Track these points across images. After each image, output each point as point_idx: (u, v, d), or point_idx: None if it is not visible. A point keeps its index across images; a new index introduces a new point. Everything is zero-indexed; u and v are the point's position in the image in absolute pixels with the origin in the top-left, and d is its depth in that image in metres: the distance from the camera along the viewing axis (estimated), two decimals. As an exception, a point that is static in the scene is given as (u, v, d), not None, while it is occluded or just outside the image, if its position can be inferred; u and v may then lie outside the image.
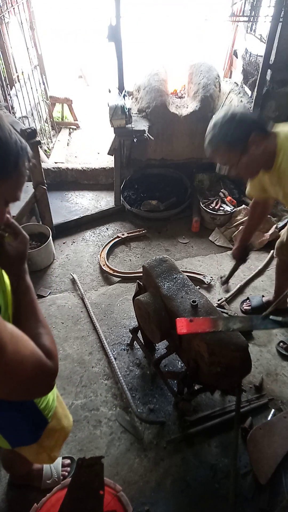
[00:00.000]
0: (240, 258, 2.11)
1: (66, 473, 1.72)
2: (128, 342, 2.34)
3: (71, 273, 2.92)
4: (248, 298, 2.60)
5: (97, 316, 2.54)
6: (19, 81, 3.75)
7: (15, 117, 3.25)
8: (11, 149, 0.75)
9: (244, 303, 2.57)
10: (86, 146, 4.77)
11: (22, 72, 3.87)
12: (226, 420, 1.92)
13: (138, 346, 2.26)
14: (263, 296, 2.58)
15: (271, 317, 1.60)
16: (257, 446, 1.77)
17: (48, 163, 4.08)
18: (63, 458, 1.77)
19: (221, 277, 2.34)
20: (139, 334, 2.20)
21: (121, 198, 3.60)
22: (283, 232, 2.24)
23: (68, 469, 1.74)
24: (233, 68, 4.27)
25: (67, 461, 1.77)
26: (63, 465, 1.74)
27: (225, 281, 2.27)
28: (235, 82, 3.92)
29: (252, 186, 1.90)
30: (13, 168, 0.77)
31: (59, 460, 1.74)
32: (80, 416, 1.98)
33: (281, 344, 2.30)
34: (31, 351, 0.76)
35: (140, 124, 3.20)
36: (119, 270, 2.93)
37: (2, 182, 0.76)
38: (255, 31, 3.62)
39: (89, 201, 3.83)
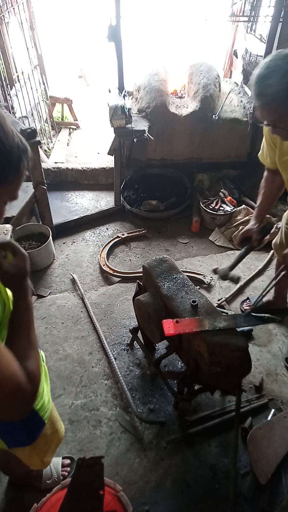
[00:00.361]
0: (258, 240, 1.81)
1: (66, 473, 1.72)
2: (128, 342, 2.34)
3: (71, 273, 2.92)
4: (248, 298, 2.60)
5: (97, 316, 2.54)
6: (19, 81, 3.75)
7: (15, 117, 3.25)
8: (13, 155, 0.75)
9: (244, 303, 2.57)
10: (86, 146, 4.77)
11: (22, 72, 3.87)
12: (226, 420, 1.92)
13: (138, 346, 2.26)
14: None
15: (253, 314, 1.65)
16: (257, 446, 1.77)
17: (48, 163, 4.08)
18: (63, 458, 1.77)
19: (215, 269, 1.93)
20: (139, 334, 2.20)
21: (121, 198, 3.60)
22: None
23: (68, 469, 1.74)
24: (233, 68, 4.28)
25: (67, 461, 1.77)
26: (63, 465, 1.74)
27: (229, 270, 1.87)
28: (235, 82, 3.92)
29: (268, 149, 1.71)
30: (15, 172, 0.77)
31: (59, 460, 1.74)
32: (80, 416, 1.98)
33: None
34: (12, 372, 0.75)
35: (140, 124, 3.21)
36: (119, 270, 2.93)
37: (3, 186, 0.77)
38: (255, 31, 3.62)
39: (89, 201, 3.83)
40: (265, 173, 1.86)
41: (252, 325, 1.66)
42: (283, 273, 1.74)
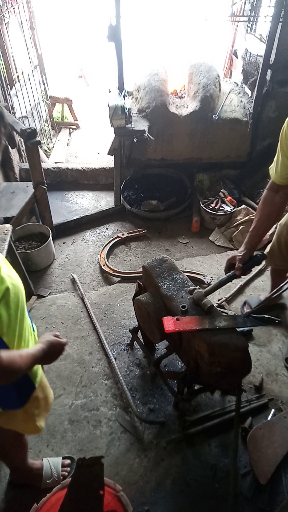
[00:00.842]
0: (243, 269, 1.63)
1: (66, 473, 1.72)
2: (128, 342, 2.34)
3: (71, 273, 2.93)
4: (246, 303, 2.55)
5: (97, 316, 2.54)
6: (19, 81, 3.75)
7: (15, 117, 3.25)
8: None
9: (244, 307, 2.55)
10: (86, 146, 4.77)
11: (22, 72, 3.87)
12: (226, 420, 1.92)
13: (138, 346, 2.26)
14: (259, 295, 2.57)
15: (252, 315, 1.64)
16: (257, 446, 1.77)
17: (48, 163, 4.08)
18: (63, 458, 1.78)
19: (191, 290, 1.70)
20: (139, 334, 2.20)
21: (121, 198, 3.60)
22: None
23: (68, 469, 1.74)
24: (233, 68, 4.28)
25: (67, 461, 1.77)
26: (63, 465, 1.74)
27: (205, 295, 1.66)
28: (235, 82, 3.92)
29: (283, 162, 1.56)
30: None
31: (59, 460, 1.75)
32: (80, 416, 1.98)
33: None
34: None
35: (140, 124, 3.21)
36: (119, 270, 2.93)
37: None
38: (255, 31, 3.63)
39: (89, 201, 3.83)
40: (265, 193, 1.70)
41: (251, 326, 1.66)
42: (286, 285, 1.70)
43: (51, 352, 1.16)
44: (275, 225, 2.11)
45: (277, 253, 2.12)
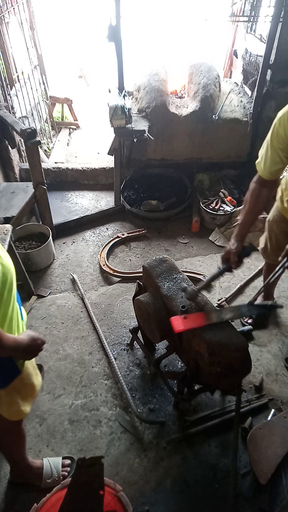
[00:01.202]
0: (237, 261, 1.64)
1: (66, 473, 1.73)
2: (128, 342, 2.34)
3: (71, 273, 2.93)
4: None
5: (97, 316, 2.54)
6: (19, 81, 3.75)
7: (15, 117, 3.25)
8: None
9: (244, 318, 2.49)
10: (86, 146, 4.77)
11: (22, 72, 3.88)
12: (226, 420, 1.92)
13: (138, 346, 2.26)
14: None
15: (256, 303, 1.65)
16: (257, 446, 1.77)
17: (48, 163, 4.08)
18: (63, 458, 1.78)
19: (184, 288, 1.70)
20: (139, 334, 2.20)
21: (121, 198, 3.60)
22: (261, 238, 2.25)
23: (68, 469, 1.75)
24: (233, 68, 4.28)
25: (67, 461, 1.77)
26: (63, 465, 1.74)
27: (197, 292, 1.66)
28: (235, 82, 3.92)
29: (272, 158, 1.60)
30: None
31: (59, 460, 1.75)
32: (80, 416, 1.98)
33: None
34: None
35: (140, 124, 3.21)
36: (119, 270, 2.93)
37: None
38: (255, 31, 3.63)
39: (89, 201, 3.83)
40: (252, 186, 1.75)
41: (256, 313, 1.67)
42: (281, 269, 1.69)
43: (32, 346, 1.20)
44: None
45: (270, 249, 2.14)
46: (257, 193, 1.73)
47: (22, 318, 1.36)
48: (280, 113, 1.58)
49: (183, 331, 1.53)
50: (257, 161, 1.72)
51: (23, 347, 1.17)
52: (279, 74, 3.13)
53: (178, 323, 1.54)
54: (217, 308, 1.70)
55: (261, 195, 1.72)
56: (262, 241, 2.23)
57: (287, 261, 1.60)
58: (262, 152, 1.68)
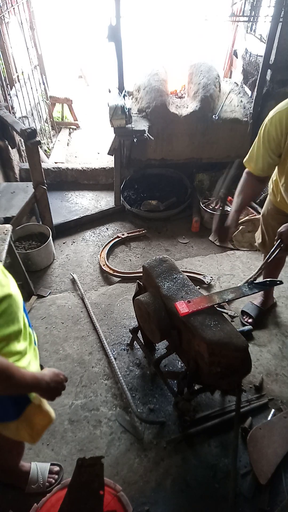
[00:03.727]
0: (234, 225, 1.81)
1: (53, 480, 1.67)
2: (128, 342, 2.34)
3: (71, 273, 2.93)
4: (243, 312, 2.52)
5: (97, 316, 2.54)
6: (19, 81, 3.75)
7: (15, 117, 3.25)
8: None
9: (244, 317, 2.51)
10: (86, 146, 4.77)
11: (22, 72, 3.87)
12: (226, 420, 1.92)
13: (138, 346, 2.26)
14: (252, 301, 2.55)
15: (256, 281, 1.72)
16: (257, 446, 1.77)
17: (48, 163, 4.08)
18: (52, 464, 1.73)
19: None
20: (139, 334, 2.20)
21: (121, 198, 3.60)
22: (257, 234, 2.31)
23: (56, 476, 1.69)
24: (233, 68, 4.28)
25: (56, 468, 1.72)
26: (51, 472, 1.69)
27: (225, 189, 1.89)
28: (235, 82, 3.92)
29: (264, 157, 1.66)
30: None
31: (46, 466, 1.70)
32: (80, 416, 1.98)
33: None
34: None
35: (140, 124, 3.21)
36: (119, 270, 2.93)
37: None
38: (255, 31, 3.63)
39: (89, 201, 3.83)
40: (246, 177, 1.79)
41: (257, 291, 1.70)
42: (277, 251, 1.72)
43: (55, 382, 1.12)
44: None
45: (268, 242, 2.16)
46: (251, 184, 1.80)
47: (35, 343, 1.30)
48: (271, 113, 1.61)
49: (188, 314, 1.57)
50: (245, 160, 1.77)
51: (45, 384, 1.08)
52: (279, 74, 3.13)
53: (182, 306, 1.59)
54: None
55: (255, 185, 1.81)
56: (258, 236, 2.28)
57: (281, 242, 1.68)
58: (252, 151, 1.73)
